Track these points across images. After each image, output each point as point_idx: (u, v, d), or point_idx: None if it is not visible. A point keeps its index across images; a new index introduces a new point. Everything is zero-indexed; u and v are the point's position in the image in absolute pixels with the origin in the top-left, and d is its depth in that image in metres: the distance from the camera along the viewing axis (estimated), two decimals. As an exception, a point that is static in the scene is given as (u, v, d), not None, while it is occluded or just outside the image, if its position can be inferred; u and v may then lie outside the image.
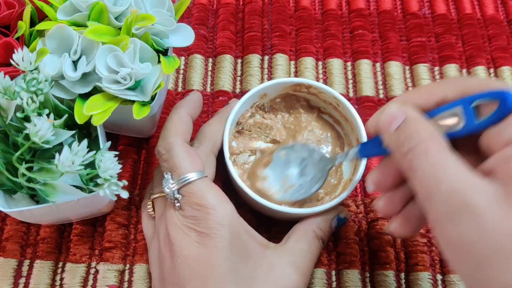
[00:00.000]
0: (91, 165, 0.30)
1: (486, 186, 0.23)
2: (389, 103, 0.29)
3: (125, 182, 0.31)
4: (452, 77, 0.28)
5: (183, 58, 0.50)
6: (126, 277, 0.38)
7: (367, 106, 0.47)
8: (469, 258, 0.23)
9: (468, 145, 0.27)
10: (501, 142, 0.24)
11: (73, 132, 0.33)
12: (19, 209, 0.32)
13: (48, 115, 0.30)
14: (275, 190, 0.38)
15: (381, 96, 0.48)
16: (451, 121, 0.27)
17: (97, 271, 0.38)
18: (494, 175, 0.24)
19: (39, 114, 0.30)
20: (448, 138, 0.26)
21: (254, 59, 0.49)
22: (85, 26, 0.33)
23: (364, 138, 0.38)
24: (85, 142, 0.29)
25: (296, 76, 0.49)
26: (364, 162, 0.37)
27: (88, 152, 0.29)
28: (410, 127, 0.27)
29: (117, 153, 0.31)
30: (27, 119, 0.30)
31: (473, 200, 0.23)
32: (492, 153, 0.25)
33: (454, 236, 0.23)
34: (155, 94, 0.35)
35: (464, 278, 0.25)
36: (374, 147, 0.31)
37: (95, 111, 0.32)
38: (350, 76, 0.49)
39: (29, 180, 0.31)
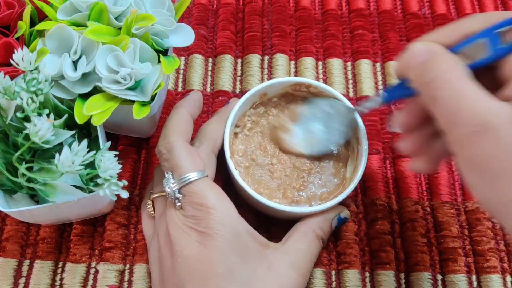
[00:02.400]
0: (91, 165, 0.30)
1: (505, 109, 0.24)
2: (413, 42, 0.30)
3: (125, 182, 0.31)
4: (477, 14, 0.29)
5: (183, 58, 0.50)
6: (126, 277, 0.38)
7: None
8: (488, 174, 0.25)
9: (488, 78, 0.28)
10: None
11: (73, 132, 0.33)
12: (19, 209, 0.32)
13: (48, 115, 0.30)
14: (297, 141, 0.39)
15: (381, 96, 0.48)
16: (476, 52, 0.27)
17: (97, 271, 0.38)
18: None
19: (39, 114, 0.30)
20: (471, 69, 0.27)
21: (254, 59, 0.49)
22: (85, 26, 0.33)
23: (365, 139, 0.37)
24: (85, 142, 0.29)
25: (296, 76, 0.49)
26: (364, 162, 0.37)
27: (88, 152, 0.29)
28: (435, 59, 0.27)
29: (117, 153, 0.31)
30: (27, 119, 0.30)
31: (493, 121, 0.24)
32: (511, 79, 0.26)
33: (474, 154, 0.25)
34: (155, 94, 0.35)
35: (482, 197, 0.26)
36: (400, 90, 0.32)
37: (95, 111, 0.32)
38: (350, 76, 0.49)
39: (29, 180, 0.31)
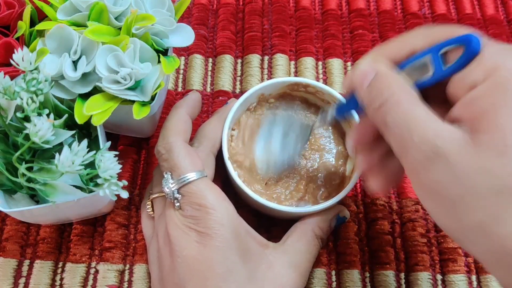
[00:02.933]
0: (91, 165, 0.30)
1: (454, 132, 0.24)
2: (360, 59, 0.30)
3: (125, 182, 0.31)
4: (421, 28, 0.29)
5: (183, 58, 0.50)
6: (126, 277, 0.38)
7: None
8: (443, 201, 0.24)
9: (438, 96, 0.28)
10: (465, 87, 0.25)
11: (73, 132, 0.33)
12: (19, 209, 0.32)
13: (48, 115, 0.30)
14: (261, 168, 0.39)
15: (381, 96, 0.48)
16: (420, 70, 0.27)
17: (97, 271, 0.38)
18: (460, 121, 0.24)
19: (39, 114, 0.30)
20: (418, 88, 0.27)
21: (254, 59, 0.49)
22: (85, 26, 0.33)
23: None
24: (85, 142, 0.29)
25: (296, 76, 0.49)
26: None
27: (88, 152, 0.29)
28: (381, 81, 0.27)
29: (117, 153, 0.31)
30: (27, 119, 0.30)
31: (443, 146, 0.24)
32: (458, 99, 0.25)
33: (429, 182, 0.24)
34: (155, 94, 0.35)
35: (440, 223, 0.26)
36: (350, 106, 0.32)
37: (95, 111, 0.32)
38: (350, 76, 0.49)
39: (29, 180, 0.31)
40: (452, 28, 0.27)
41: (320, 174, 0.40)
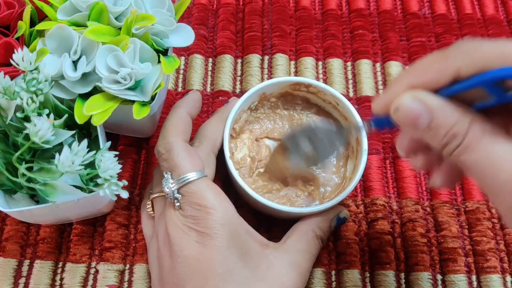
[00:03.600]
0: (91, 165, 0.30)
1: None
2: (397, 90, 0.26)
3: (125, 182, 0.31)
4: (460, 45, 0.24)
5: (183, 58, 0.50)
6: (126, 277, 0.38)
7: (367, 106, 0.47)
8: None
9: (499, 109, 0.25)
10: None
11: (73, 132, 0.33)
12: (19, 209, 0.32)
13: (48, 115, 0.30)
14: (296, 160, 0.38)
15: (381, 96, 0.48)
16: (475, 96, 0.24)
17: (97, 271, 0.38)
18: None
19: (39, 114, 0.30)
20: (478, 108, 0.24)
21: (254, 59, 0.49)
22: (85, 26, 0.33)
23: (365, 138, 0.37)
24: (85, 142, 0.29)
25: (296, 76, 0.49)
26: (364, 161, 0.37)
27: (88, 152, 0.29)
28: (444, 122, 0.24)
29: (117, 153, 0.31)
30: (27, 119, 0.30)
31: None
32: None
33: None
34: (155, 94, 0.35)
35: None
36: (389, 122, 0.28)
37: (95, 111, 0.32)
38: (350, 76, 0.49)
39: (29, 180, 0.31)
40: (499, 48, 0.23)
41: (321, 175, 0.40)
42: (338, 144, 0.37)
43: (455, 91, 0.24)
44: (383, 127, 0.30)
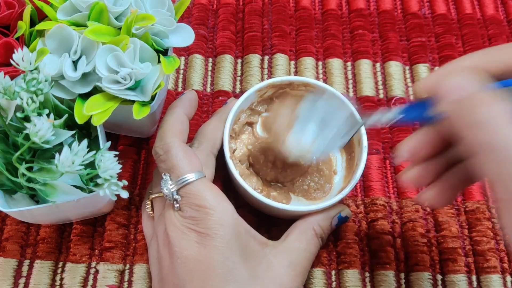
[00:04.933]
0: (91, 165, 0.30)
1: None
2: (455, 67, 0.26)
3: (125, 182, 0.31)
4: None
5: (183, 58, 0.50)
6: (126, 277, 0.38)
7: (367, 106, 0.47)
8: None
9: None
10: None
11: (73, 132, 0.33)
12: (19, 209, 0.32)
13: (48, 115, 0.30)
14: (296, 140, 0.36)
15: (381, 96, 0.48)
16: None
17: (97, 271, 0.38)
18: None
19: (39, 114, 0.30)
20: None
21: (254, 59, 0.49)
22: (85, 26, 0.33)
23: (365, 137, 0.37)
24: (85, 142, 0.29)
25: (296, 76, 0.49)
26: (364, 160, 0.37)
27: (88, 152, 0.29)
28: (479, 98, 0.24)
29: (117, 153, 0.31)
30: (27, 119, 0.30)
31: None
32: None
33: None
34: (155, 94, 0.35)
35: None
36: (420, 111, 0.28)
37: (95, 111, 0.32)
38: (350, 76, 0.49)
39: (29, 180, 0.31)
40: None
41: (321, 173, 0.40)
42: (344, 140, 0.35)
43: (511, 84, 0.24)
44: (410, 119, 0.29)
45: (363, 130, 0.37)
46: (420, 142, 0.28)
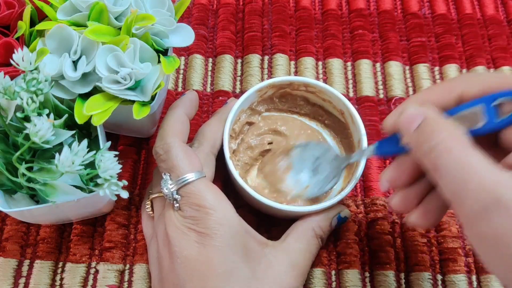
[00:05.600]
0: (91, 165, 0.30)
1: None
2: (407, 103, 0.29)
3: (125, 182, 0.31)
4: (471, 73, 0.28)
5: (183, 58, 0.50)
6: (126, 277, 0.38)
7: (367, 106, 0.47)
8: (503, 252, 0.23)
9: (488, 139, 0.27)
10: None
11: (73, 132, 0.33)
12: (19, 209, 0.32)
13: (48, 115, 0.30)
14: (291, 189, 0.39)
15: (381, 96, 0.48)
16: (470, 119, 0.27)
17: (97, 271, 0.38)
18: None
19: (39, 114, 0.30)
20: (470, 135, 0.26)
21: (254, 59, 0.49)
22: (85, 26, 0.33)
23: (364, 136, 0.38)
24: (85, 142, 0.29)
25: (296, 76, 0.49)
26: (364, 160, 0.37)
27: (88, 152, 0.29)
28: (430, 126, 0.26)
29: (117, 153, 0.31)
30: (27, 119, 0.30)
31: (504, 195, 0.22)
32: None
33: (488, 233, 0.23)
34: (155, 94, 0.35)
35: (499, 277, 0.24)
36: (391, 146, 0.31)
37: (95, 111, 0.32)
38: (350, 76, 0.49)
39: (29, 180, 0.31)
40: (506, 78, 0.26)
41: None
42: (338, 176, 0.38)
43: (459, 110, 0.27)
44: (385, 153, 0.33)
45: (363, 131, 0.38)
46: (396, 172, 0.30)
